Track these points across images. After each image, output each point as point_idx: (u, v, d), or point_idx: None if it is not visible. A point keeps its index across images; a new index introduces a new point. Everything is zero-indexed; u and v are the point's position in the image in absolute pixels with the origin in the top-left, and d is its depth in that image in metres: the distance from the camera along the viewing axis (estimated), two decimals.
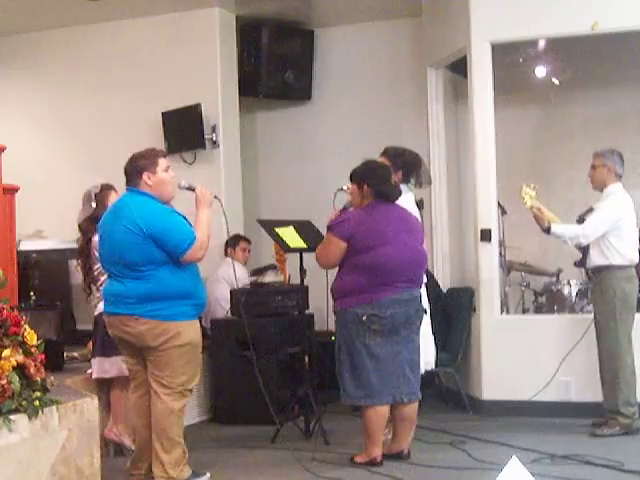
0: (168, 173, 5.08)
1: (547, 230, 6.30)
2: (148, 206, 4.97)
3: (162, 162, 5.07)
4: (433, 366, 6.25)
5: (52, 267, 7.74)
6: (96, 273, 5.91)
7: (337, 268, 5.67)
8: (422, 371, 5.93)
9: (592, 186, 6.51)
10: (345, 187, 5.88)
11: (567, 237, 6.34)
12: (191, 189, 5.24)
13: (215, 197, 5.22)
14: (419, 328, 5.71)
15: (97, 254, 5.56)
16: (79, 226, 6.04)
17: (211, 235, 5.04)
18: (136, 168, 5.04)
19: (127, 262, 4.91)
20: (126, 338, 5.02)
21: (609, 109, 8.39)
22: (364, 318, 5.45)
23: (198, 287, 5.11)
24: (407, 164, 6.12)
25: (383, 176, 5.66)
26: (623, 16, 6.90)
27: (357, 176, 5.70)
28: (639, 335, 6.41)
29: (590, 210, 6.49)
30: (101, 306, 5.83)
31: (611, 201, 6.33)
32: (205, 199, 5.14)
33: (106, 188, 6.07)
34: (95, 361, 5.95)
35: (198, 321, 5.14)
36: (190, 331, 5.02)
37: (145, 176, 5.02)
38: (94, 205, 5.96)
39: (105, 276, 5.41)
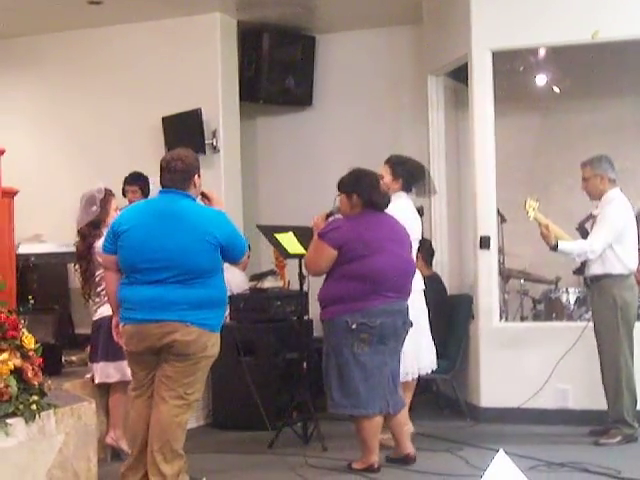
0: None
1: (554, 248, 6.26)
2: (213, 213, 4.84)
3: None
4: (428, 371, 6.28)
5: (51, 271, 7.73)
6: (98, 279, 5.89)
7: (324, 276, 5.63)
8: (417, 375, 6.08)
9: (589, 197, 6.48)
10: None
11: (575, 254, 6.30)
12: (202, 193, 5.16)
13: None
14: (404, 340, 5.68)
15: (99, 259, 5.49)
16: (79, 231, 5.98)
17: None
18: (192, 170, 4.81)
19: (192, 269, 4.67)
20: (159, 345, 4.71)
21: (609, 117, 8.38)
22: (353, 326, 5.41)
23: None
24: (408, 173, 6.16)
25: (371, 184, 5.61)
26: (623, 25, 6.92)
27: (345, 186, 5.64)
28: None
29: (590, 217, 6.46)
30: (102, 311, 5.84)
31: (613, 209, 6.26)
32: (222, 203, 5.09)
33: (109, 193, 6.04)
34: (98, 366, 5.90)
35: None
36: (218, 343, 4.87)
37: (196, 179, 4.84)
38: (94, 209, 5.92)
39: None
